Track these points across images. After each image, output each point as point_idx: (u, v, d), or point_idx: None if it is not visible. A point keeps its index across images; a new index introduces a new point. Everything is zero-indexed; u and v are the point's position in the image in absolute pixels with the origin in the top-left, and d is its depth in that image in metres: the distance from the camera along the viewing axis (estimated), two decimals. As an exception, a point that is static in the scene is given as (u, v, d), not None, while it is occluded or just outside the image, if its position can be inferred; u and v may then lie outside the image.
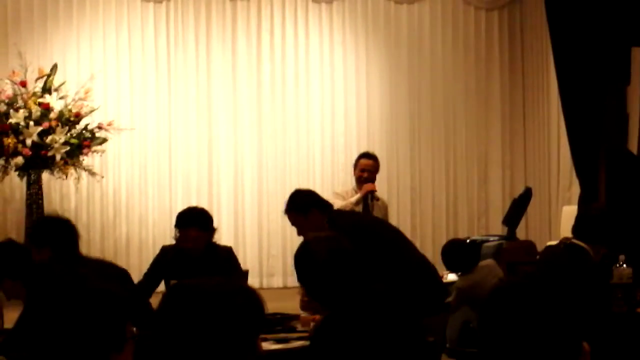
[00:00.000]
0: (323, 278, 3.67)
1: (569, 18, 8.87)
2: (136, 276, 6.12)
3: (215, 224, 5.73)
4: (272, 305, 5.39)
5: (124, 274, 4.99)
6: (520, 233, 10.44)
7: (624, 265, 5.43)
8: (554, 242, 6.21)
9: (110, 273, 4.85)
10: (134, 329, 2.21)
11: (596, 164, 8.86)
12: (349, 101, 11.90)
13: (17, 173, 9.92)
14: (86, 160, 10.09)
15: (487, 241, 9.51)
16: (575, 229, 5.35)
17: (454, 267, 6.60)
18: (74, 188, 10.46)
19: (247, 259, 10.73)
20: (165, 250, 5.84)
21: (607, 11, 8.62)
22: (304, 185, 11.10)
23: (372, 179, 7.64)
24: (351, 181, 8.02)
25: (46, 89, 9.91)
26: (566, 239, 5.42)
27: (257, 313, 2.23)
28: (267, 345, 4.49)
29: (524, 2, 12.21)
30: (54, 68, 10.12)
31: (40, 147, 9.60)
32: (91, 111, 10.09)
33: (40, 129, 9.60)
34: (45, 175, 10.06)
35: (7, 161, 9.70)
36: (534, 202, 10.65)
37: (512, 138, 12.25)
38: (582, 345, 2.01)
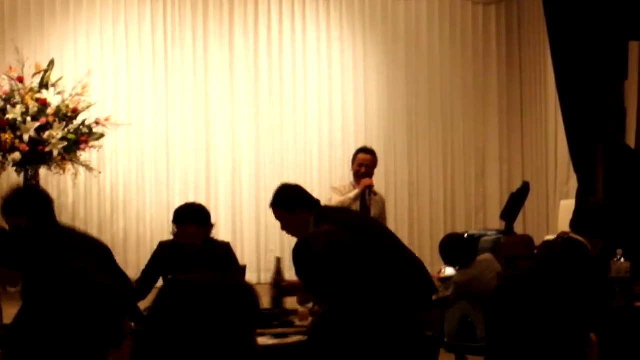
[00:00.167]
0: (322, 273, 3.67)
1: (566, 12, 8.85)
2: (133, 272, 6.13)
3: (213, 220, 5.72)
4: (270, 300, 5.42)
5: (105, 250, 4.98)
6: (518, 227, 10.44)
7: (622, 260, 5.43)
8: (551, 237, 6.22)
9: (91, 245, 4.85)
10: (132, 324, 2.21)
11: (594, 158, 8.86)
12: (347, 96, 11.89)
13: (14, 169, 9.91)
14: (83, 155, 10.09)
15: (485, 236, 9.51)
16: (573, 223, 5.36)
17: (452, 261, 6.60)
18: (72, 183, 10.46)
19: (244, 254, 10.75)
20: (162, 246, 5.83)
21: (604, 5, 8.61)
22: (302, 180, 11.10)
23: (370, 174, 7.63)
24: (349, 176, 8.02)
25: (43, 85, 9.90)
26: (564, 233, 5.42)
27: (253, 308, 2.22)
28: (264, 340, 4.48)
29: (521, -4, 12.22)
30: (51, 63, 10.11)
31: (37, 142, 9.60)
32: (88, 106, 10.08)
33: (37, 124, 9.59)
34: (43, 171, 10.05)
35: (4, 157, 9.69)
36: (532, 197, 10.65)
37: (510, 132, 12.26)
38: (589, 335, 2.01)
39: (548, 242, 6.11)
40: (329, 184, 9.74)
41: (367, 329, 3.54)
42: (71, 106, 9.90)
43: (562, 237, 5.37)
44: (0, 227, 4.93)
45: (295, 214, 5.24)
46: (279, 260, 5.71)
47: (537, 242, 9.24)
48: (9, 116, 9.61)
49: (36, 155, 9.68)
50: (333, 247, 3.69)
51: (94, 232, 10.85)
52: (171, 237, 5.67)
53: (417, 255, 5.47)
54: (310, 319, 4.87)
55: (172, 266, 5.56)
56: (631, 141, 8.98)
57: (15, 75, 9.90)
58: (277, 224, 5.48)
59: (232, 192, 11.55)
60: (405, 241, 11.03)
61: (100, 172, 10.62)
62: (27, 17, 11.02)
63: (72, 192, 10.93)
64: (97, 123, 10.06)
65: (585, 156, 8.93)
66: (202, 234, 5.58)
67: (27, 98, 9.71)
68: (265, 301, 5.33)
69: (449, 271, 6.75)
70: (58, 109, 9.79)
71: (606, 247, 5.37)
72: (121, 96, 11.26)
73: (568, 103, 9.04)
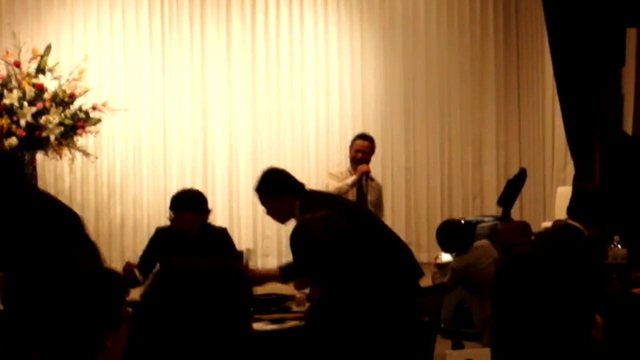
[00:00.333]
0: (320, 258, 3.67)
1: (564, -2, 8.84)
2: (131, 257, 6.13)
3: (209, 205, 5.72)
4: (267, 286, 5.42)
5: (75, 219, 4.90)
6: (515, 214, 10.45)
7: (619, 246, 5.43)
8: (548, 223, 6.24)
9: (59, 212, 4.77)
10: (129, 309, 2.21)
11: (591, 144, 8.85)
12: (344, 82, 11.88)
13: (11, 154, 9.90)
14: (80, 140, 10.07)
15: (482, 222, 9.52)
16: (570, 209, 5.37)
17: (449, 247, 6.60)
18: (68, 169, 10.44)
19: (241, 239, 10.75)
20: (159, 232, 5.83)
21: (602, -8, 8.60)
22: (299, 166, 11.15)
23: (367, 160, 7.62)
24: (346, 162, 8.02)
25: (40, 70, 9.88)
26: (559, 220, 5.43)
27: (248, 292, 2.23)
28: (262, 326, 4.49)
29: (519, -18, 12.19)
30: (48, 48, 10.08)
31: (34, 127, 9.58)
32: (85, 92, 10.07)
33: (34, 109, 9.57)
34: (40, 156, 10.04)
35: (1, 142, 9.68)
36: (529, 183, 10.66)
37: (507, 119, 12.25)
38: (594, 317, 2.02)
39: (545, 229, 6.12)
40: (326, 170, 9.73)
41: (365, 314, 3.55)
42: (68, 91, 9.88)
43: (558, 224, 5.38)
44: None
45: (279, 199, 5.13)
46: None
47: (534, 228, 9.26)
48: (6, 101, 9.59)
49: (33, 141, 9.66)
50: (330, 232, 3.70)
51: (90, 217, 10.89)
52: (168, 223, 5.67)
53: (413, 241, 5.47)
54: (307, 304, 4.87)
55: (169, 252, 5.55)
56: (628, 127, 8.98)
57: (12, 60, 9.88)
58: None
59: (229, 178, 11.56)
60: (402, 227, 11.19)
61: (97, 158, 10.62)
62: (24, 2, 11.00)
63: (69, 177, 10.93)
64: (94, 108, 10.04)
65: (582, 142, 8.93)
66: (199, 220, 5.58)
67: (24, 83, 9.69)
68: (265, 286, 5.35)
69: (446, 257, 6.76)
70: (55, 94, 9.77)
71: (603, 233, 5.38)
72: (118, 81, 11.25)
73: (565, 89, 9.03)
